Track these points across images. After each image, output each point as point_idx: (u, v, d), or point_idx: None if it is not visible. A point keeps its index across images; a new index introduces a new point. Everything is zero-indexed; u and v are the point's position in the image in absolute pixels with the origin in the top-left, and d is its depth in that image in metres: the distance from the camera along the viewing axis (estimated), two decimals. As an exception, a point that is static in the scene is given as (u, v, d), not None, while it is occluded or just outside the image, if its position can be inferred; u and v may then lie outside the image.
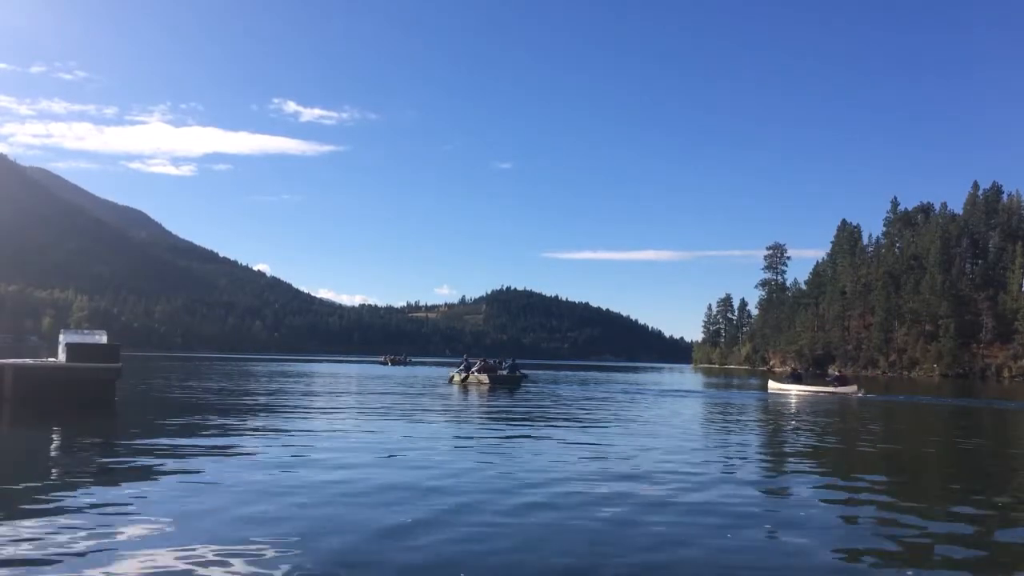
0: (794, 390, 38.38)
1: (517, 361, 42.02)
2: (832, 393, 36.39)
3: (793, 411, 26.68)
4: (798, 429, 19.74)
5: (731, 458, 13.25)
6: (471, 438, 15.29)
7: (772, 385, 41.19)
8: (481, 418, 20.37)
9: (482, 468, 11.25)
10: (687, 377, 73.09)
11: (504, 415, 21.18)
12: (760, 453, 14.62)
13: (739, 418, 23.17)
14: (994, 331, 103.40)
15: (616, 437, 16.07)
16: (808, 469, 12.35)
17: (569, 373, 73.51)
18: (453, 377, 39.44)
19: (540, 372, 72.54)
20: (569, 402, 27.50)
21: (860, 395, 35.16)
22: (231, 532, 7.04)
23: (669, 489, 9.87)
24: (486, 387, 35.16)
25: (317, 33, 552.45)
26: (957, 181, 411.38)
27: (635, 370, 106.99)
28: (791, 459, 13.80)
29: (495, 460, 12.12)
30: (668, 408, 26.18)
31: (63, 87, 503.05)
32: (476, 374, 37.46)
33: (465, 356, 48.09)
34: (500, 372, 37.82)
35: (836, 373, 42.60)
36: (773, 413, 25.60)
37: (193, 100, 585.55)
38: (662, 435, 16.69)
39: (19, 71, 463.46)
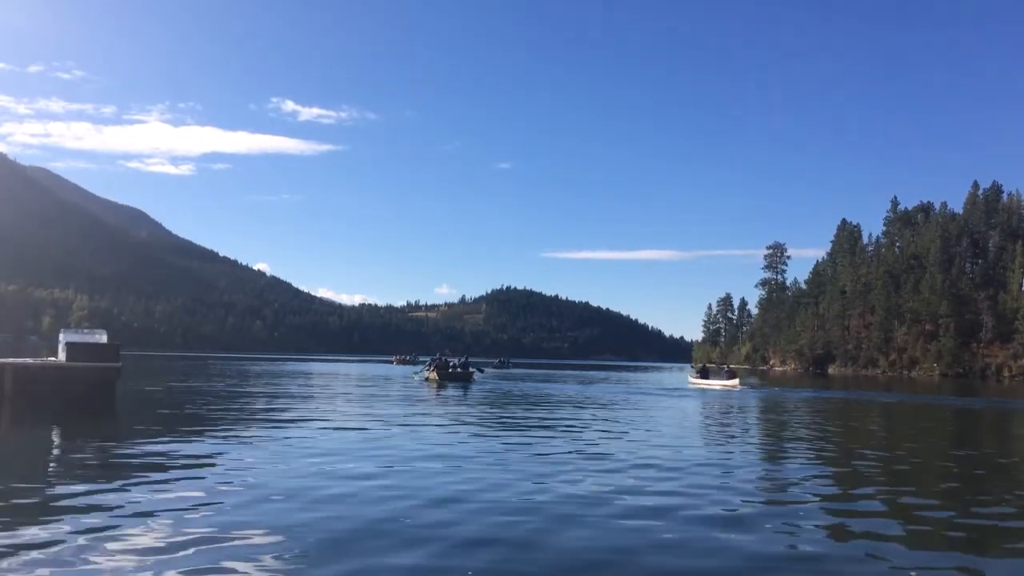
0: (701, 383, 44.09)
1: (470, 359, 46.33)
2: (722, 386, 41.86)
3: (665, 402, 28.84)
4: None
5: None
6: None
7: (690, 380, 46.80)
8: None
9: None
10: (665, 376, 72.85)
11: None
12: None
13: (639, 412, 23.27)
14: (994, 331, 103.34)
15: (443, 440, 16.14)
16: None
17: (552, 372, 73.49)
18: (428, 374, 42.19)
19: (538, 372, 72.55)
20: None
21: (739, 388, 40.19)
22: (229, 532, 7.07)
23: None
24: (435, 382, 38.80)
25: (315, 32, 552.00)
26: (957, 181, 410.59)
27: (630, 369, 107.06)
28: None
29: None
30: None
31: (61, 86, 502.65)
32: (430, 371, 41.20)
33: (437, 355, 49.61)
34: (456, 370, 41.25)
35: (726, 368, 47.87)
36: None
37: (191, 99, 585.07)
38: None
39: (17, 70, 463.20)
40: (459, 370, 41.06)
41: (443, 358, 43.78)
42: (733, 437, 16.98)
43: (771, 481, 10.99)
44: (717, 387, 41.47)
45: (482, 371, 42.73)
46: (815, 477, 11.46)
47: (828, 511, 8.91)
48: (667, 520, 8.00)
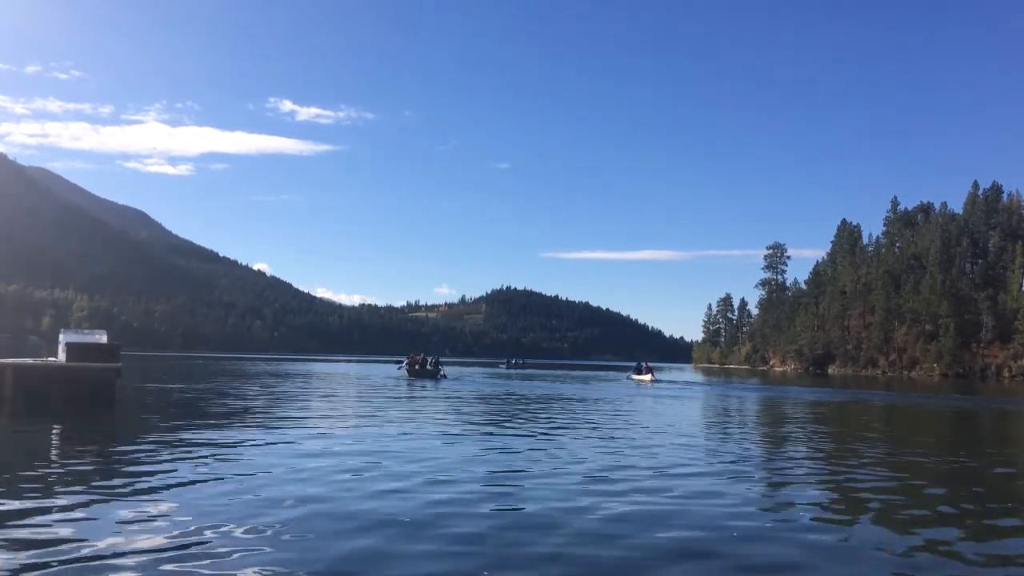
0: (636, 379, 51.13)
1: (441, 359, 52.30)
2: (641, 380, 49.01)
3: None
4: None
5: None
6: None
7: (630, 376, 54.04)
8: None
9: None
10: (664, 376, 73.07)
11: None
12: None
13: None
14: (994, 331, 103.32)
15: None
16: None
17: (566, 372, 73.53)
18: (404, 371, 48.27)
19: (557, 372, 72.59)
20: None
21: (651, 386, 44.93)
22: (228, 530, 7.07)
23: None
24: (406, 378, 44.71)
25: (313, 32, 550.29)
26: (957, 181, 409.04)
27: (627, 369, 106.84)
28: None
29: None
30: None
31: (59, 86, 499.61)
32: (405, 368, 47.75)
33: (417, 354, 52.84)
34: (427, 367, 47.27)
35: (645, 366, 54.43)
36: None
37: (189, 99, 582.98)
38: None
39: (14, 70, 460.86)
40: (428, 368, 47.19)
41: (423, 356, 49.65)
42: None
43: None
44: (643, 383, 47.55)
45: (444, 375, 46.93)
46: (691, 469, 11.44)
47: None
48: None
